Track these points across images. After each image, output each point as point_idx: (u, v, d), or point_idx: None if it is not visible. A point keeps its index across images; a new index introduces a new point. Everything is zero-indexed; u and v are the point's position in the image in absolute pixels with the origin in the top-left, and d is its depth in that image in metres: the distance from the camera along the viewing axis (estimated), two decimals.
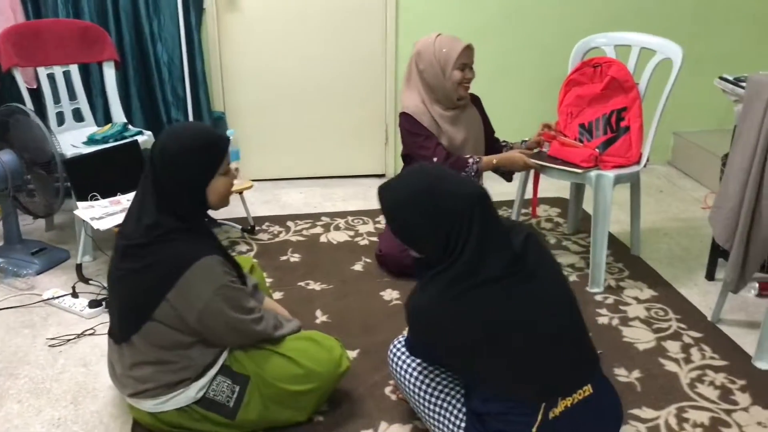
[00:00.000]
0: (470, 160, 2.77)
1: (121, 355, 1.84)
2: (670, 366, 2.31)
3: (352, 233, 3.27)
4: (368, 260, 3.00)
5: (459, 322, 1.61)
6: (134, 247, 1.76)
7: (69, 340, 2.43)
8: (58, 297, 2.65)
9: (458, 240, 1.60)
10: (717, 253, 2.82)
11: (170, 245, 1.74)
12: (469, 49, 2.75)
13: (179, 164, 1.75)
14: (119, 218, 2.56)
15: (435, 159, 2.72)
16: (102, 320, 2.54)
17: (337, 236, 3.25)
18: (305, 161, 3.91)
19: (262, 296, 2.08)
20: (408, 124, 2.81)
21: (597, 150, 2.75)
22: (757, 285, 2.72)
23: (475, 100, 2.96)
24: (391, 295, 2.74)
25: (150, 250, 1.74)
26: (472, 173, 2.75)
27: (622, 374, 2.25)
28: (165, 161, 1.75)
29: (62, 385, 2.21)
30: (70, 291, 2.67)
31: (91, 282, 2.78)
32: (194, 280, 1.72)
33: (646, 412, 2.08)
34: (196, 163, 1.77)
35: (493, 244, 1.61)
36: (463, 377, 1.73)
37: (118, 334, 1.83)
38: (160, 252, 1.74)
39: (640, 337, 2.47)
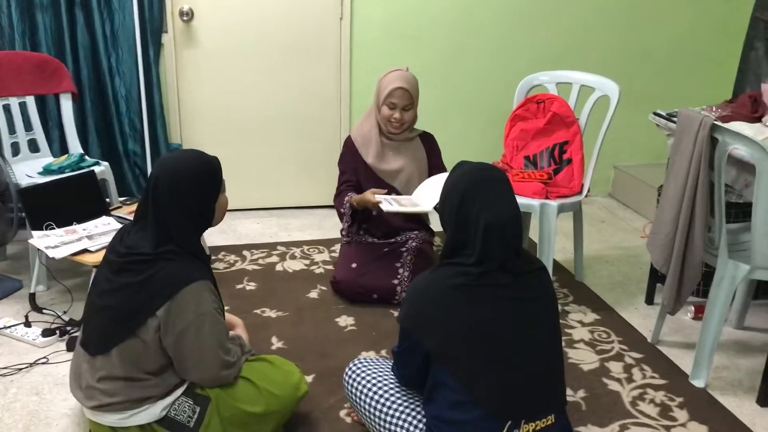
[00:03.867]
0: (346, 198, 2.92)
1: (92, 366, 1.84)
2: (613, 385, 2.41)
3: (307, 262, 3.33)
4: (324, 288, 3.05)
5: (449, 308, 1.67)
6: (134, 262, 1.79)
7: (21, 369, 2.41)
8: (10, 326, 2.63)
9: (469, 246, 1.68)
10: (655, 278, 2.96)
11: (171, 263, 1.79)
12: (399, 91, 2.82)
13: (190, 191, 1.81)
14: (75, 247, 2.58)
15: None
16: (56, 349, 2.53)
17: (293, 265, 3.29)
18: (261, 192, 3.96)
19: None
20: (343, 150, 3.02)
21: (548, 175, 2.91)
22: (692, 308, 2.87)
23: (426, 137, 3.05)
24: (346, 321, 2.79)
25: (151, 265, 1.78)
26: (348, 211, 2.92)
27: (568, 394, 2.31)
28: (174, 190, 1.80)
29: (14, 415, 2.18)
30: (23, 320, 2.65)
31: (44, 311, 2.76)
32: (184, 300, 1.76)
33: (591, 430, 2.17)
34: (205, 186, 1.85)
35: (504, 263, 1.68)
36: (437, 375, 1.72)
37: (97, 345, 1.83)
38: (160, 269, 1.78)
39: (585, 358, 2.57)
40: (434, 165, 3.03)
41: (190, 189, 1.82)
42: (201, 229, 1.92)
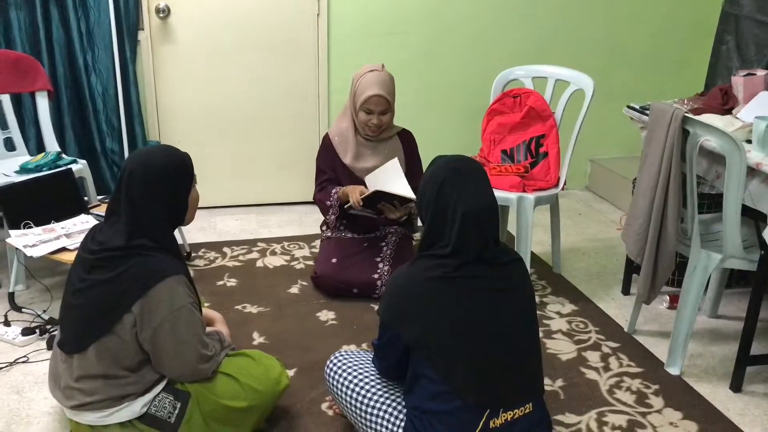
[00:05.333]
0: (332, 190, 2.93)
1: (70, 366, 1.84)
2: (591, 374, 2.45)
3: (288, 258, 3.33)
4: (304, 283, 3.06)
5: (427, 301, 1.70)
6: (106, 259, 1.79)
7: (1, 368, 2.40)
8: None
9: (446, 237, 1.71)
10: (631, 269, 3.01)
11: (144, 259, 1.78)
12: (376, 98, 2.81)
13: (161, 184, 1.81)
14: (53, 246, 2.57)
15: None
16: (36, 347, 2.52)
17: (274, 261, 3.30)
18: (241, 189, 3.96)
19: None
20: (321, 148, 3.03)
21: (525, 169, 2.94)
22: (667, 298, 2.93)
23: (405, 136, 3.05)
24: (326, 315, 2.80)
25: (124, 261, 1.78)
26: (335, 203, 2.93)
27: (546, 383, 2.36)
28: (145, 183, 1.80)
29: None
30: (2, 319, 2.63)
31: (24, 310, 2.75)
32: (158, 296, 1.76)
33: (569, 418, 2.21)
34: (176, 180, 1.85)
35: (481, 253, 1.71)
36: (416, 367, 1.75)
37: (73, 344, 1.82)
38: (133, 264, 1.77)
39: (563, 348, 2.61)
40: (411, 163, 3.02)
41: (165, 181, 1.82)
42: (174, 222, 1.92)
